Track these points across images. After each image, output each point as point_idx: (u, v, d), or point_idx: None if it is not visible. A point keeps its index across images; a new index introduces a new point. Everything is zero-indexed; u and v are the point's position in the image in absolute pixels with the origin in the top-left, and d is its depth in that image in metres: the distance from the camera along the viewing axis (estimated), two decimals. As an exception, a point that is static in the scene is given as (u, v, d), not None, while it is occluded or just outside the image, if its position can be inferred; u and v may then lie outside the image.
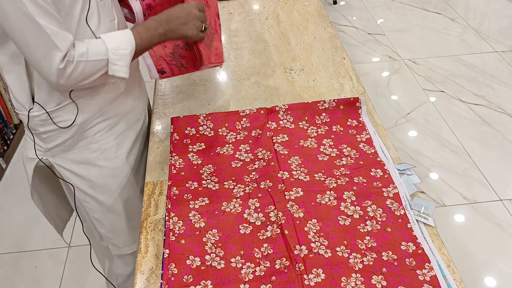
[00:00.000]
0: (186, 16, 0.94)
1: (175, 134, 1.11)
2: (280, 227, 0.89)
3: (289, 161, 1.02)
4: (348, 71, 1.34)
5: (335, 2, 3.45)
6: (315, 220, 0.89)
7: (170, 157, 1.05)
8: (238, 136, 1.11)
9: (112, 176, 1.08)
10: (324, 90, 1.27)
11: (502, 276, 1.71)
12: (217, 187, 0.98)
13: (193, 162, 1.04)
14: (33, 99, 0.94)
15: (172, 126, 1.13)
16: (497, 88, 2.61)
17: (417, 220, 0.89)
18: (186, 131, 1.11)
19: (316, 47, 1.45)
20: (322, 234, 0.87)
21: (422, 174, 2.11)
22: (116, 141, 1.06)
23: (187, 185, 0.98)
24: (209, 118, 1.14)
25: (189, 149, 1.07)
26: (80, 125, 0.99)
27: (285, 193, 0.95)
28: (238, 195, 0.96)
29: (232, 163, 1.04)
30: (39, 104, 0.94)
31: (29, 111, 0.95)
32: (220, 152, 1.07)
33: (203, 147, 1.08)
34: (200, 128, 1.12)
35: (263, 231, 0.89)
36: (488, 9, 3.38)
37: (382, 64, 2.83)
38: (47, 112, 0.94)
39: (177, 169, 1.02)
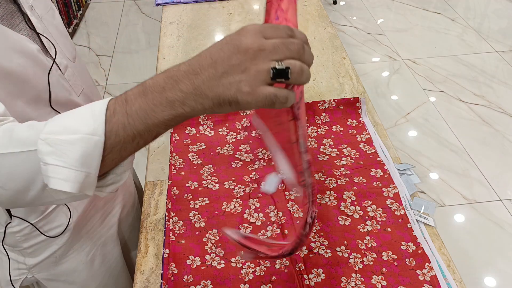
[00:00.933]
0: (228, 57, 0.44)
1: (175, 134, 1.11)
2: (280, 227, 0.89)
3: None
4: (348, 71, 1.34)
5: (335, 2, 3.45)
6: (315, 220, 0.90)
7: (170, 157, 1.05)
8: (238, 136, 1.11)
9: (110, 275, 0.93)
10: (324, 90, 1.27)
11: (502, 276, 1.71)
12: (217, 187, 0.98)
13: (193, 162, 1.04)
14: (9, 212, 0.72)
15: (171, 136, 1.13)
16: (497, 88, 2.61)
17: (417, 220, 0.89)
18: (186, 131, 1.11)
19: (316, 47, 1.45)
20: (322, 234, 0.87)
21: (422, 174, 2.11)
22: (112, 230, 0.92)
23: (187, 185, 0.98)
24: (209, 117, 1.14)
25: (189, 149, 1.07)
26: (74, 227, 0.81)
27: (285, 192, 0.95)
28: (238, 195, 0.96)
29: (232, 163, 1.04)
30: (19, 218, 0.72)
31: (5, 227, 0.73)
32: (220, 152, 1.07)
33: (203, 147, 1.08)
34: (200, 128, 1.12)
35: (263, 231, 0.89)
36: (488, 9, 3.38)
37: (382, 64, 2.83)
38: (32, 224, 0.74)
39: (177, 169, 1.02)
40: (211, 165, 1.04)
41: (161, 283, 0.81)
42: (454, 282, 0.80)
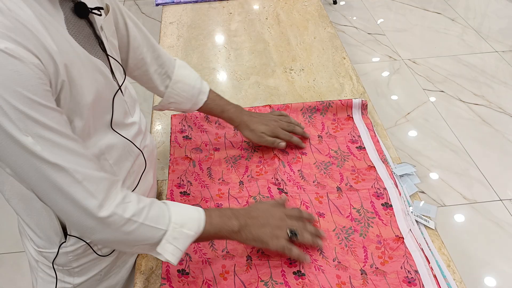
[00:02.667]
0: (268, 216, 0.79)
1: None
2: None
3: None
4: (348, 71, 1.34)
5: (335, 2, 3.45)
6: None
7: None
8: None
9: None
10: (324, 90, 1.27)
11: (502, 276, 1.71)
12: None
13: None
14: (64, 231, 0.74)
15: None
16: (497, 88, 2.61)
17: (417, 221, 0.89)
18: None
19: (316, 47, 1.45)
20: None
21: (422, 174, 2.11)
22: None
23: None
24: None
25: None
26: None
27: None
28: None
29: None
30: (75, 237, 0.74)
31: (59, 247, 0.75)
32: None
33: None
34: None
35: None
36: (488, 9, 3.38)
37: (382, 64, 2.83)
38: (87, 243, 0.76)
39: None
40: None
41: (161, 282, 0.80)
42: (454, 282, 0.80)
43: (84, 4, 0.65)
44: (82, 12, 0.66)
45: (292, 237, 0.78)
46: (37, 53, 0.54)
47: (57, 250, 0.75)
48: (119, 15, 0.83)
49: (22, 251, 1.86)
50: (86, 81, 0.64)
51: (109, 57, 0.72)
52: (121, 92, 0.75)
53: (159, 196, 0.99)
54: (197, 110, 0.99)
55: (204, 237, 0.73)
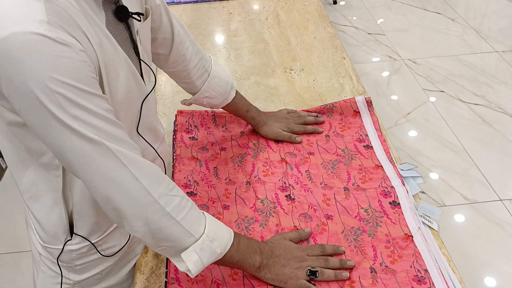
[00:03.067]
0: (290, 257, 0.78)
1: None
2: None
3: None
4: (348, 71, 1.34)
5: (335, 2, 3.45)
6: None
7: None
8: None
9: None
10: (324, 90, 1.27)
11: (502, 276, 1.71)
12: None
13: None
14: (71, 229, 0.75)
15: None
16: (497, 88, 2.60)
17: (422, 222, 0.89)
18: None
19: (316, 47, 1.45)
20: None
21: (422, 174, 2.11)
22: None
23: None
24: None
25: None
26: (127, 249, 0.83)
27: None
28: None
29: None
30: (81, 236, 0.75)
31: (64, 244, 0.76)
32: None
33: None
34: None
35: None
36: (488, 9, 3.37)
37: (382, 64, 2.83)
38: (91, 243, 0.77)
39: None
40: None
41: (165, 282, 0.80)
42: (458, 283, 0.80)
43: (125, 8, 0.67)
44: (122, 16, 0.67)
45: (312, 277, 0.78)
46: (83, 44, 0.56)
47: (62, 247, 0.76)
48: (164, 12, 0.85)
49: (22, 251, 1.86)
50: (121, 79, 0.65)
51: (141, 61, 0.74)
52: (149, 98, 0.77)
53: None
54: (222, 108, 1.03)
55: (226, 261, 0.71)
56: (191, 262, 0.66)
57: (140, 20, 0.71)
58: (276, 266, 0.77)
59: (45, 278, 0.83)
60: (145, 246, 0.89)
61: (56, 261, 0.78)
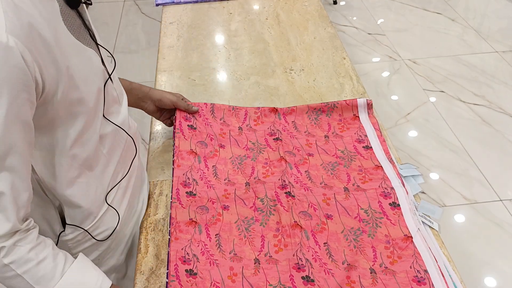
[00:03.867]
0: None
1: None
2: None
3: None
4: (348, 71, 1.34)
5: (335, 2, 3.45)
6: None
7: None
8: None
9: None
10: (324, 90, 1.27)
11: (502, 276, 1.71)
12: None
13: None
14: (63, 221, 0.76)
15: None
16: (497, 88, 2.61)
17: (422, 222, 0.89)
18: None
19: (316, 47, 1.45)
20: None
21: (422, 174, 2.11)
22: (137, 227, 0.95)
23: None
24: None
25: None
26: (118, 231, 0.85)
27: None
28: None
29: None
30: (74, 225, 0.76)
31: (59, 236, 0.77)
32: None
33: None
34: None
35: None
36: (488, 9, 3.37)
37: (382, 64, 2.83)
38: (85, 230, 0.78)
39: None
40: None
41: (167, 282, 0.80)
42: (459, 282, 0.80)
43: None
44: (74, 3, 0.67)
45: None
46: (40, 59, 0.55)
47: (57, 239, 0.77)
48: None
49: (22, 251, 1.86)
50: (86, 74, 0.66)
51: (100, 46, 0.74)
52: (111, 80, 0.77)
53: (159, 196, 0.99)
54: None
55: None
56: None
57: (91, 4, 0.72)
58: None
59: None
60: (139, 234, 0.89)
61: None
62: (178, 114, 1.10)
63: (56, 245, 0.76)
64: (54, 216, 0.75)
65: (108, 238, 0.83)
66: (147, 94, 1.05)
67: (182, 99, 1.11)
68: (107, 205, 0.80)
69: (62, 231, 0.76)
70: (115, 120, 0.79)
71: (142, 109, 1.07)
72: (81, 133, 0.68)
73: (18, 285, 0.61)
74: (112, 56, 0.80)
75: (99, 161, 0.76)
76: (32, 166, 0.65)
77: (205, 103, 1.15)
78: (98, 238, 0.81)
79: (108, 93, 0.75)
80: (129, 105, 0.95)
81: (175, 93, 1.11)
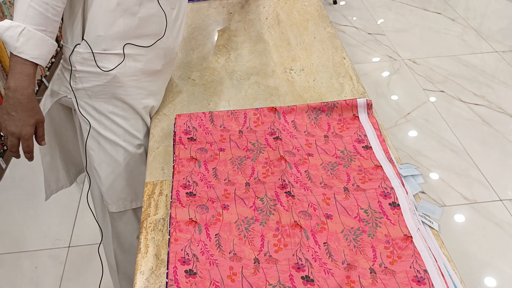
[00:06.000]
0: (6, 119, 0.91)
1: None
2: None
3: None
4: (348, 71, 1.34)
5: (335, 2, 3.45)
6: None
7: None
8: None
9: (124, 134, 1.12)
10: (324, 90, 1.27)
11: (502, 276, 1.71)
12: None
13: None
14: (83, 36, 0.98)
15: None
16: (497, 88, 2.61)
17: (422, 222, 0.89)
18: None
19: (316, 47, 1.45)
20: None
21: (422, 174, 2.11)
22: (141, 103, 1.12)
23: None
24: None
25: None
26: (114, 77, 1.03)
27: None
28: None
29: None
30: (87, 43, 0.98)
31: (75, 46, 0.99)
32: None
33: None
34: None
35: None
36: (488, 9, 3.38)
37: (382, 64, 2.83)
38: (92, 52, 0.99)
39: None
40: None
41: (167, 282, 0.80)
42: (459, 282, 0.80)
43: None
44: None
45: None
46: None
47: (73, 49, 0.99)
48: None
49: (22, 251, 1.86)
50: None
51: None
52: None
53: (159, 196, 0.99)
54: None
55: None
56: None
57: None
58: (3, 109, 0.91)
59: (57, 78, 1.09)
60: (139, 233, 0.89)
61: (68, 60, 1.01)
62: (177, 128, 1.11)
63: (72, 52, 1.00)
64: (80, 27, 0.99)
65: (107, 71, 1.01)
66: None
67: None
68: (118, 50, 1.01)
69: (78, 44, 0.99)
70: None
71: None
72: None
73: None
74: None
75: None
76: None
77: (203, 113, 1.15)
78: (100, 67, 1.00)
79: None
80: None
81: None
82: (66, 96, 1.07)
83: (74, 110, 1.10)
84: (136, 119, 1.14)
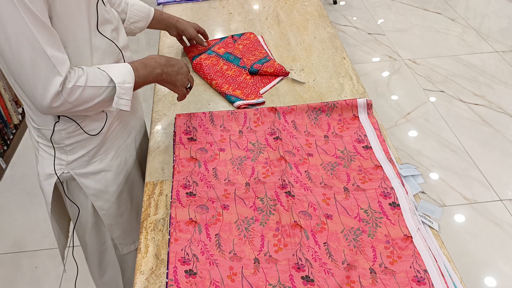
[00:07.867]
0: (180, 67, 1.01)
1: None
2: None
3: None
4: (348, 71, 1.34)
5: (335, 2, 3.45)
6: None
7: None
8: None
9: (124, 175, 1.11)
10: (324, 90, 1.27)
11: (502, 276, 1.71)
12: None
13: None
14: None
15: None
16: (497, 88, 2.61)
17: (423, 222, 0.89)
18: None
19: (316, 47, 1.45)
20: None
21: (422, 174, 2.11)
22: (130, 139, 1.12)
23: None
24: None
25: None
26: (106, 130, 1.00)
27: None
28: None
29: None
30: (67, 117, 0.92)
31: (54, 125, 0.92)
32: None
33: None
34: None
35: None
36: (488, 9, 3.38)
37: (382, 64, 2.83)
38: (76, 123, 0.93)
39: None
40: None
41: (166, 282, 0.80)
42: (459, 282, 0.80)
43: None
44: None
45: (188, 88, 1.07)
46: None
47: (52, 128, 0.93)
48: None
49: (22, 251, 1.86)
50: None
51: None
52: (103, 3, 0.92)
53: (159, 196, 0.99)
54: (151, 27, 1.27)
55: (136, 86, 0.92)
56: (124, 106, 0.88)
57: None
58: (173, 75, 0.99)
59: (43, 162, 1.01)
60: (139, 233, 0.89)
61: (50, 141, 0.95)
62: (177, 129, 1.11)
63: (52, 133, 0.94)
64: None
65: (98, 133, 0.98)
66: (174, 24, 1.31)
67: (198, 32, 1.37)
68: None
69: (57, 121, 0.92)
70: (110, 35, 0.95)
71: (167, 32, 1.35)
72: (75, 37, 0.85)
73: (89, 93, 0.84)
74: None
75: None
76: None
77: (203, 113, 1.15)
78: (87, 131, 0.96)
79: (100, 11, 0.90)
80: (157, 28, 1.31)
81: (194, 24, 1.36)
82: (63, 172, 1.01)
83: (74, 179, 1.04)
84: (131, 155, 1.14)
